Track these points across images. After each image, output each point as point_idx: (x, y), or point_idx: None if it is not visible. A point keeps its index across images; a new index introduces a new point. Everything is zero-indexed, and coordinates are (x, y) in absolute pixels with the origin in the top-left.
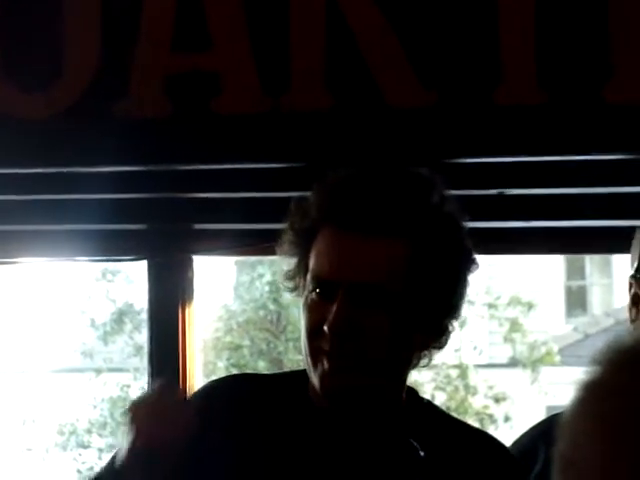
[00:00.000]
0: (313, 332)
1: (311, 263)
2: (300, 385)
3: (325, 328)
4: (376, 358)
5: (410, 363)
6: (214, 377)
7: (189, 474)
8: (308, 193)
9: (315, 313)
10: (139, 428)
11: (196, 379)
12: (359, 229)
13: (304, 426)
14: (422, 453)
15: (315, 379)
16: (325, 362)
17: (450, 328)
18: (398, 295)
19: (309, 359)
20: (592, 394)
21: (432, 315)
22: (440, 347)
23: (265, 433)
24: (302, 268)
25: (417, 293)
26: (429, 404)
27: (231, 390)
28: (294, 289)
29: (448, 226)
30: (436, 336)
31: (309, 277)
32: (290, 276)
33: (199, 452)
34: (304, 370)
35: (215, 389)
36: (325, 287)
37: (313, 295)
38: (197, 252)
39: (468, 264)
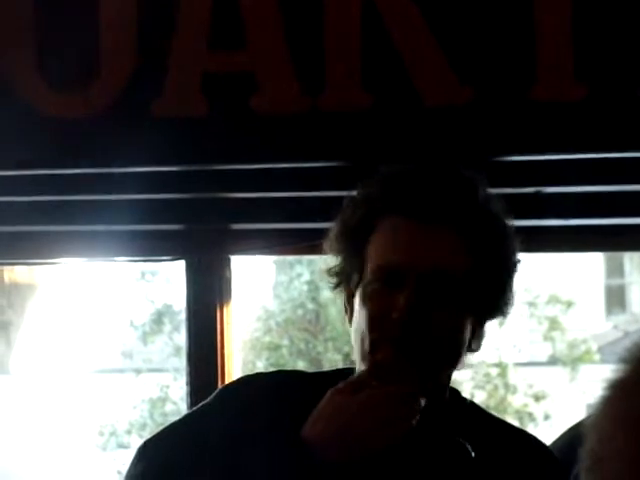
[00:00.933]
0: (376, 321)
1: (372, 254)
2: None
3: (394, 316)
4: (440, 351)
5: (462, 359)
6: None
7: (233, 465)
8: (350, 192)
9: (379, 302)
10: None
11: (234, 379)
12: (424, 219)
13: None
14: (473, 454)
15: (377, 373)
16: (397, 356)
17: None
18: (461, 283)
19: (367, 350)
20: (618, 391)
21: (483, 310)
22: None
23: None
24: (358, 261)
25: (475, 284)
26: (472, 404)
27: (280, 386)
28: (338, 284)
29: (499, 220)
30: (481, 335)
31: (370, 267)
32: (338, 271)
33: (243, 445)
34: (346, 369)
35: (265, 383)
36: (392, 276)
37: (375, 285)
38: (235, 252)
39: (515, 261)
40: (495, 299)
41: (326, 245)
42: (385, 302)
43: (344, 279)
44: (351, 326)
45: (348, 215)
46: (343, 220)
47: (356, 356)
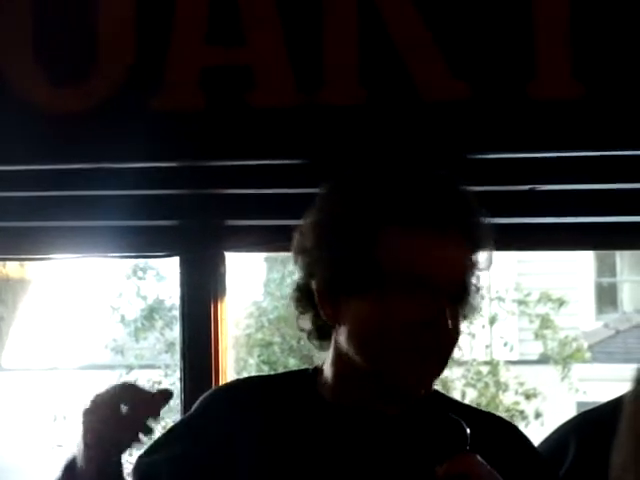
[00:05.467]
0: (402, 329)
1: (390, 261)
2: (307, 383)
3: (428, 325)
4: (451, 355)
5: None
6: (244, 374)
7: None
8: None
9: (404, 310)
10: (89, 426)
11: (228, 375)
12: (436, 226)
13: (321, 423)
14: (468, 430)
15: (393, 375)
16: (417, 359)
17: None
18: (468, 289)
19: (385, 355)
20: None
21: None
22: None
23: (280, 433)
24: (361, 266)
25: (473, 286)
26: (436, 392)
27: (238, 395)
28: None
29: (484, 217)
30: None
31: (391, 274)
32: (326, 271)
33: (214, 460)
34: (300, 370)
35: (221, 396)
36: (419, 284)
37: (398, 292)
38: (230, 248)
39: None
40: (479, 296)
41: (303, 242)
42: (411, 310)
43: (329, 279)
44: (316, 321)
45: (340, 217)
46: (333, 221)
47: (355, 354)
